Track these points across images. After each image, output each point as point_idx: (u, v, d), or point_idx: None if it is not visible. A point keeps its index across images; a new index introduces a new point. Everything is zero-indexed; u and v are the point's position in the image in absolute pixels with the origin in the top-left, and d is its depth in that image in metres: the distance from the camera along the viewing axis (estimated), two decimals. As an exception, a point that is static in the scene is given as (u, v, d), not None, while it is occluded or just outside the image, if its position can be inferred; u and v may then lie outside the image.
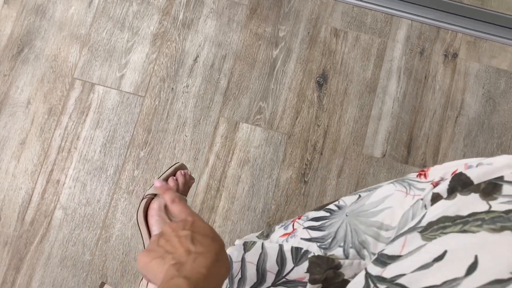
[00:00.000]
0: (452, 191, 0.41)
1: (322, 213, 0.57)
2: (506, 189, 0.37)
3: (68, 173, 1.10)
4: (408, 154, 1.13)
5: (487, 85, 1.16)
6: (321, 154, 1.12)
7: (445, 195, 0.42)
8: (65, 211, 1.09)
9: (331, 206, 0.57)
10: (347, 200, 0.56)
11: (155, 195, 0.78)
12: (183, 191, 0.82)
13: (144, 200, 0.76)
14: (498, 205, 0.36)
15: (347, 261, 0.49)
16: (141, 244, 1.06)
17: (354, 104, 1.15)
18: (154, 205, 0.76)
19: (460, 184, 0.41)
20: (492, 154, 1.13)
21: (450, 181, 0.42)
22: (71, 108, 1.12)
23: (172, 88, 1.14)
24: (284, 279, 0.54)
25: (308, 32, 1.18)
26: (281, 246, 0.56)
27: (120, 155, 1.11)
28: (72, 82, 1.14)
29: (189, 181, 0.84)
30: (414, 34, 1.18)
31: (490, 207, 0.36)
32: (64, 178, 1.10)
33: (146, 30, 1.17)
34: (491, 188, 0.38)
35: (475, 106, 1.15)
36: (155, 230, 0.72)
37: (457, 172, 0.42)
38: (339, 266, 0.50)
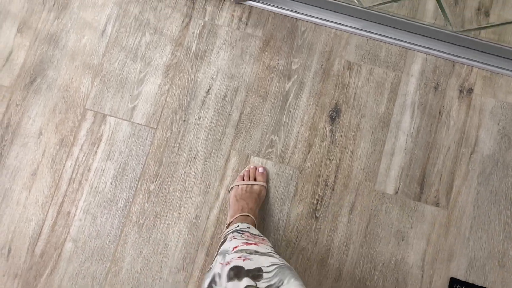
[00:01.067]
0: (230, 277, 0.63)
1: None
2: (265, 275, 0.62)
3: (79, 205, 1.12)
4: (421, 191, 1.13)
5: (503, 122, 1.17)
6: (333, 189, 1.13)
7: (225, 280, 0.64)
8: (75, 244, 1.10)
9: None
10: None
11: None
12: (256, 179, 1.11)
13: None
14: (261, 284, 0.60)
15: None
16: (150, 277, 1.08)
17: (367, 139, 1.16)
18: (231, 193, 1.10)
19: (236, 272, 0.63)
20: (506, 193, 1.13)
21: (229, 271, 0.64)
22: (82, 139, 1.14)
23: (184, 120, 1.15)
24: None
25: (321, 65, 1.19)
26: None
27: (131, 188, 1.13)
28: (83, 113, 1.15)
29: (256, 171, 1.12)
30: (429, 68, 1.19)
31: (256, 284, 0.60)
32: (75, 210, 1.12)
33: (158, 61, 1.18)
34: (256, 275, 0.62)
35: (489, 143, 1.16)
36: (229, 206, 1.10)
37: (233, 265, 0.65)
38: None
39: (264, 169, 1.13)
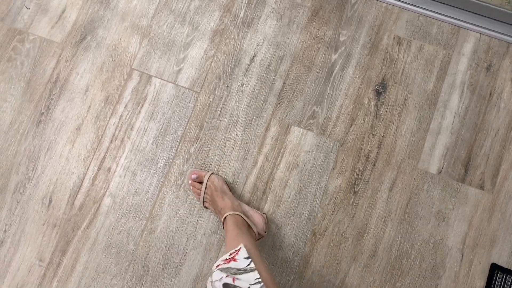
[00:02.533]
0: None
1: None
2: None
3: (120, 161, 1.16)
4: (465, 173, 1.12)
5: (557, 108, 1.15)
6: (374, 165, 1.14)
7: None
8: (113, 199, 1.15)
9: None
10: None
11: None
12: (201, 182, 1.12)
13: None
14: None
15: None
16: (185, 237, 1.11)
17: (413, 116, 1.15)
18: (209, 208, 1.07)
19: None
20: (557, 181, 1.11)
21: None
22: (127, 98, 1.19)
23: (227, 86, 1.18)
24: None
25: (370, 39, 1.19)
26: None
27: (172, 149, 1.16)
28: (130, 73, 1.20)
29: (192, 179, 1.12)
30: (481, 48, 1.18)
31: None
32: (115, 166, 1.16)
33: (206, 26, 1.22)
34: None
35: (542, 128, 1.14)
36: None
37: None
38: None
39: (193, 172, 1.13)
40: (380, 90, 1.17)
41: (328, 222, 1.12)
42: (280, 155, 1.16)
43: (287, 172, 1.15)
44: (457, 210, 1.11)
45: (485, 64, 1.17)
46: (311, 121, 1.17)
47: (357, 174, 1.14)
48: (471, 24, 1.18)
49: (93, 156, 1.17)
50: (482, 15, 1.18)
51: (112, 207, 1.15)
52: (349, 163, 1.14)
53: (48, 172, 1.17)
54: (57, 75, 1.21)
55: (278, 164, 1.15)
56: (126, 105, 1.19)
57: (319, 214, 1.12)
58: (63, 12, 1.24)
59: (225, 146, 1.16)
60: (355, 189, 1.13)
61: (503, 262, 1.08)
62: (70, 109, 1.19)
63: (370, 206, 1.12)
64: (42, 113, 1.19)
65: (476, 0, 1.17)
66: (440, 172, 1.13)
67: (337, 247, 1.11)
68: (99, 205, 1.15)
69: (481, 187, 1.12)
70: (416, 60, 1.18)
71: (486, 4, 1.17)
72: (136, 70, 1.20)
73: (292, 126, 1.17)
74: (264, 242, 1.12)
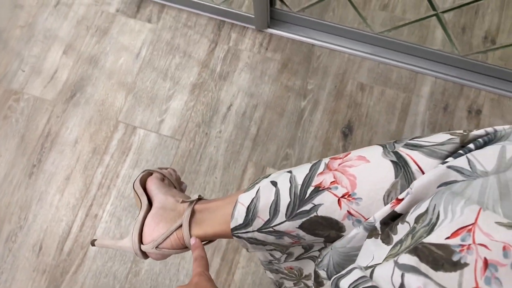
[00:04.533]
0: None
1: None
2: None
3: (106, 208, 1.27)
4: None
5: None
6: (345, 201, 1.24)
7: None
8: (100, 244, 1.24)
9: None
10: None
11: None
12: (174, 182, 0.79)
13: (144, 172, 0.75)
14: None
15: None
16: (168, 279, 1.20)
17: (378, 155, 1.28)
18: (155, 175, 0.74)
19: None
20: None
21: None
22: (113, 148, 1.32)
23: (206, 133, 1.32)
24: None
25: (335, 86, 1.34)
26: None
27: (155, 194, 1.27)
28: (116, 125, 1.34)
29: (179, 180, 0.83)
30: (438, 90, 1.33)
31: None
32: (102, 212, 1.27)
33: (186, 80, 1.37)
34: None
35: (499, 161, 1.26)
36: (155, 192, 0.70)
37: None
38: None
39: None
40: (347, 132, 1.30)
41: (304, 258, 1.21)
42: (258, 196, 1.26)
43: (265, 212, 1.25)
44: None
45: (442, 104, 1.32)
46: (285, 162, 1.29)
47: (330, 211, 1.24)
48: (426, 69, 1.34)
49: (81, 203, 1.28)
50: (436, 61, 1.34)
51: (99, 252, 1.24)
52: (322, 200, 1.25)
53: (39, 221, 1.27)
54: (48, 129, 1.34)
55: (256, 205, 1.26)
56: (112, 155, 1.31)
57: (295, 251, 1.21)
58: (55, 72, 1.40)
59: (205, 189, 1.28)
60: (329, 225, 1.23)
61: None
62: (60, 160, 1.32)
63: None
64: (34, 165, 1.32)
65: (429, 48, 1.33)
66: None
67: (314, 282, 1.19)
68: (87, 250, 1.24)
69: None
70: (378, 103, 1.32)
71: (438, 51, 1.33)
72: (122, 122, 1.34)
73: (268, 168, 1.29)
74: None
